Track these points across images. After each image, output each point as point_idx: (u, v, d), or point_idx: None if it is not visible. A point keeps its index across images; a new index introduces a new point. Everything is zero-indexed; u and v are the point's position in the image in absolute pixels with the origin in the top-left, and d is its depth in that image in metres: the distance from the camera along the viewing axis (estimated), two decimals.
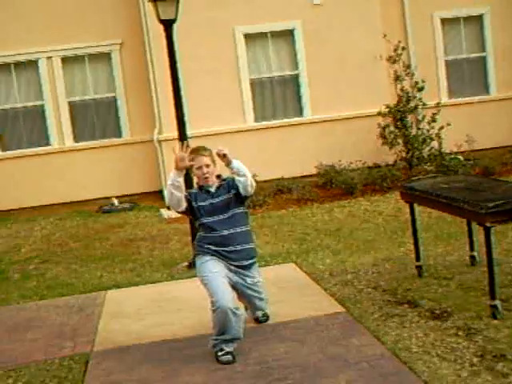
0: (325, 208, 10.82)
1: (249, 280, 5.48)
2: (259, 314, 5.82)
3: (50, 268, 8.73)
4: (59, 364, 5.41)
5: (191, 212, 5.42)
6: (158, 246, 9.41)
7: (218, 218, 5.33)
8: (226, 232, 5.32)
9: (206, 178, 5.37)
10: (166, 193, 5.46)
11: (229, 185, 5.42)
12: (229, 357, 5.12)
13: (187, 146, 5.39)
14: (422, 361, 4.73)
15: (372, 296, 6.27)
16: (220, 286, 5.13)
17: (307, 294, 6.55)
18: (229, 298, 5.10)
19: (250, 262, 5.49)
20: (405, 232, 8.29)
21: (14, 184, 13.31)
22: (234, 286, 5.39)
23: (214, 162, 5.40)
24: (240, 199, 5.42)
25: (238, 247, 5.37)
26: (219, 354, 5.14)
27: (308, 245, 8.59)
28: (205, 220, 5.36)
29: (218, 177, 5.50)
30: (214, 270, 5.23)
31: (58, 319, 6.59)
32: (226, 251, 5.33)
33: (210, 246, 5.34)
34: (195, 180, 5.58)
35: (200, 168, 5.35)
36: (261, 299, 5.69)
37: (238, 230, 5.38)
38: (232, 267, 5.37)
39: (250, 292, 5.55)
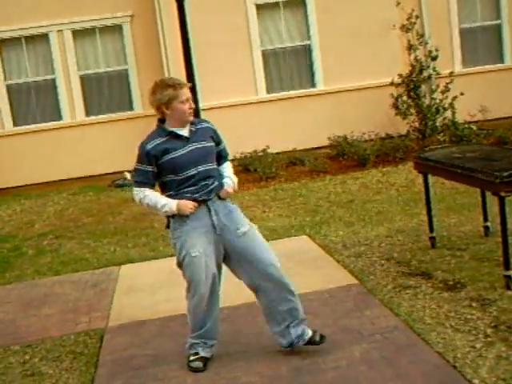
0: (337, 180, 10.77)
1: (241, 228, 4.53)
2: (309, 332, 4.61)
3: (64, 243, 8.77)
4: (75, 339, 5.44)
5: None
6: None
7: (195, 170, 4.45)
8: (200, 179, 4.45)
9: (192, 113, 4.54)
10: (136, 198, 4.60)
11: (206, 132, 4.60)
12: (199, 363, 4.62)
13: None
14: (435, 332, 4.72)
15: (385, 268, 6.26)
16: (200, 270, 4.50)
17: (320, 267, 6.55)
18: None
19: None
20: (417, 203, 8.25)
21: (26, 159, 13.35)
22: (226, 256, 4.56)
23: None
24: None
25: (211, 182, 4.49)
26: (191, 358, 4.66)
27: (321, 217, 8.58)
28: (181, 175, 4.44)
29: None
30: (193, 250, 4.44)
31: (73, 294, 6.63)
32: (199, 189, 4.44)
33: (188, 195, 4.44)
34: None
35: (186, 101, 4.48)
36: (274, 265, 4.58)
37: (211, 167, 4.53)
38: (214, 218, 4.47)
39: (249, 244, 4.50)
